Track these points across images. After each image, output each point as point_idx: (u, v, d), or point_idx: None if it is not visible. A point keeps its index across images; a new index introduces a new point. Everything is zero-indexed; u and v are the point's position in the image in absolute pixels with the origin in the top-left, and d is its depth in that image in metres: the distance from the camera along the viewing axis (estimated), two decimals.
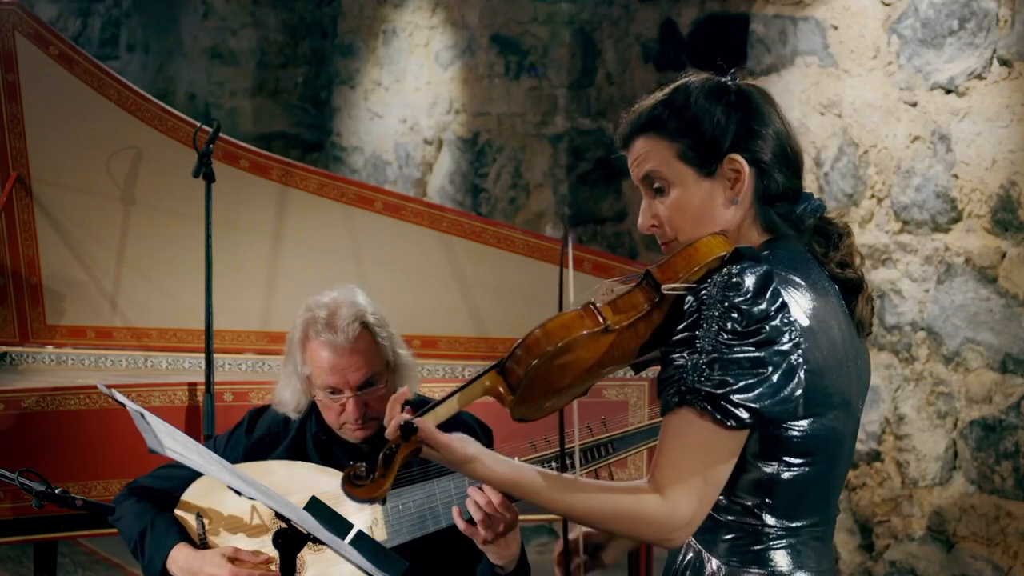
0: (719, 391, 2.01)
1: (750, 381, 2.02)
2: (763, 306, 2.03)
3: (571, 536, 2.34)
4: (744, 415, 2.02)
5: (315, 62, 8.76)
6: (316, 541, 2.66)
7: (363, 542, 2.56)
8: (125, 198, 4.36)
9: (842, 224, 2.24)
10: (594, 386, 2.20)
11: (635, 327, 2.08)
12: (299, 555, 2.75)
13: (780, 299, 2.04)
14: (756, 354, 2.02)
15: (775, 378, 2.02)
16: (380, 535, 3.05)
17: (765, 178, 2.17)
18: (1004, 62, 4.47)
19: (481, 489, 2.91)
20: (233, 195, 4.21)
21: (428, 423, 2.08)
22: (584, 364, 2.07)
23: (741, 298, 2.03)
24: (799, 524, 2.14)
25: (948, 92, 4.66)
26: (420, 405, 2.18)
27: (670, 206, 2.16)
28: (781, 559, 2.12)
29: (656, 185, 2.17)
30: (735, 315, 2.02)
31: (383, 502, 3.02)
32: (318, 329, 3.12)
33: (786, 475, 2.10)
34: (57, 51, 4.26)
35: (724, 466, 2.06)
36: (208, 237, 3.92)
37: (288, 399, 3.23)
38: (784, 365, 2.03)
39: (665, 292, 2.07)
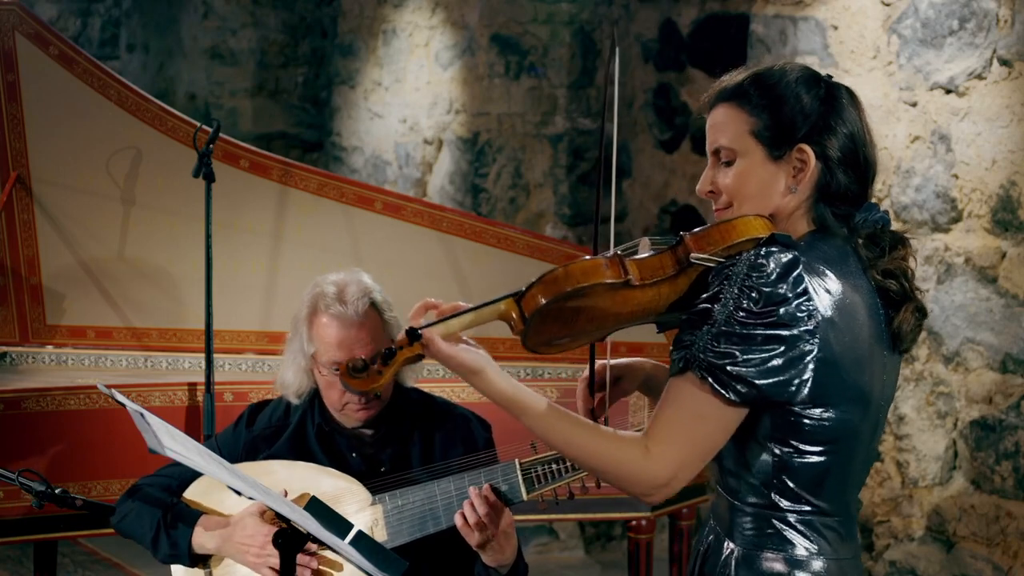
0: (720, 362, 2.06)
1: (752, 357, 2.05)
2: (782, 290, 2.06)
3: (596, 366, 2.35)
4: (741, 388, 2.06)
5: (315, 62, 8.76)
6: (316, 541, 2.66)
7: (363, 542, 2.56)
8: (125, 198, 4.36)
9: (900, 235, 2.25)
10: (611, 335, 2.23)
11: (658, 287, 2.12)
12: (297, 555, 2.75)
13: (802, 286, 2.07)
14: (765, 332, 2.06)
15: (779, 360, 2.06)
16: (380, 536, 3.05)
17: (829, 175, 2.19)
18: (1004, 62, 4.47)
19: (477, 497, 2.93)
20: (233, 195, 4.21)
21: (435, 332, 2.10)
22: (600, 312, 2.12)
23: (763, 279, 2.06)
24: (813, 510, 2.16)
25: (948, 92, 4.66)
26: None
27: (732, 176, 2.19)
28: (797, 543, 2.16)
29: (724, 157, 2.20)
30: (753, 294, 2.06)
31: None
32: (328, 303, 3.13)
33: (799, 460, 2.13)
34: (57, 51, 4.26)
35: (716, 437, 2.10)
36: (208, 237, 3.92)
37: (291, 380, 3.22)
38: (793, 349, 2.06)
39: (693, 260, 2.11)
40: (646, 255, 2.13)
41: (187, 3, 8.81)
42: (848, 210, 2.21)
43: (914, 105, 4.78)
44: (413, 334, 2.07)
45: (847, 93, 2.22)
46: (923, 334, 4.79)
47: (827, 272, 2.12)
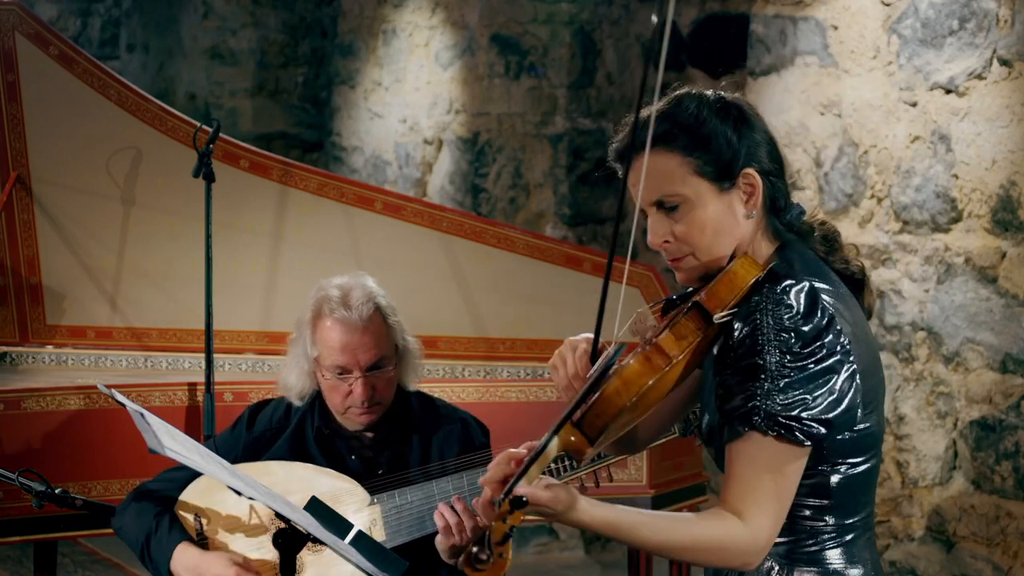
0: (792, 413, 2.05)
1: (817, 395, 2.06)
2: (815, 322, 2.07)
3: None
4: (816, 431, 2.06)
5: (315, 62, 8.76)
6: (316, 541, 2.66)
7: (363, 542, 2.56)
8: (125, 198, 4.36)
9: (830, 225, 2.28)
10: None
11: (685, 358, 2.12)
12: (298, 555, 2.75)
13: (828, 312, 2.08)
14: (818, 368, 2.06)
15: (838, 389, 2.07)
16: (379, 536, 3.05)
17: (772, 187, 2.20)
18: (1004, 62, 4.47)
19: (454, 504, 2.93)
20: (233, 195, 4.21)
21: (525, 487, 2.02)
22: (650, 404, 2.12)
23: (794, 318, 2.07)
24: (853, 520, 2.18)
25: (948, 92, 4.66)
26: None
27: (688, 222, 2.16)
28: (835, 557, 2.16)
29: (669, 204, 2.17)
30: (792, 336, 2.06)
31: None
32: (332, 307, 3.13)
33: (842, 476, 2.15)
34: (57, 51, 4.26)
35: (794, 481, 2.11)
36: (208, 237, 3.91)
37: (294, 383, 3.23)
38: (844, 375, 2.08)
39: (717, 321, 2.11)
40: (668, 329, 2.12)
41: (187, 3, 8.81)
42: (787, 213, 2.22)
43: (914, 105, 4.78)
44: (519, 503, 2.00)
45: (746, 104, 2.23)
46: (923, 334, 4.79)
47: (827, 287, 2.13)
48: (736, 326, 2.10)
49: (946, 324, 4.71)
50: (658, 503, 3.94)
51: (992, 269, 4.55)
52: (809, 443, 2.07)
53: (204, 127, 4.07)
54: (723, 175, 2.16)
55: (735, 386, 2.09)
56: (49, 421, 3.79)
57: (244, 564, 3.04)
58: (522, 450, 2.11)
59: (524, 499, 1.99)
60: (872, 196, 4.97)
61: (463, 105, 7.18)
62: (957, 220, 4.66)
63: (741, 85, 5.54)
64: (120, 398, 2.98)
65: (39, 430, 3.78)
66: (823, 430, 2.06)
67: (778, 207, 2.21)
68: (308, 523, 2.60)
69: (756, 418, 2.06)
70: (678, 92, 2.23)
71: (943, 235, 4.71)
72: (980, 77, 4.55)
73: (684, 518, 2.11)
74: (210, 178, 3.93)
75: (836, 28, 5.08)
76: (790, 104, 5.24)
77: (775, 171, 2.20)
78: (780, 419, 2.05)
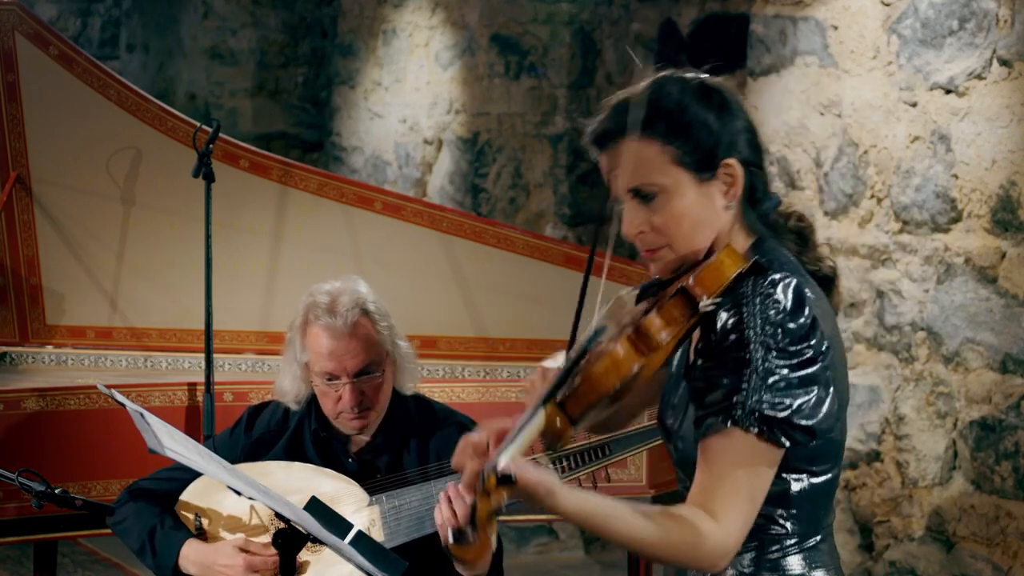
0: (778, 413, 2.00)
1: (804, 400, 2.01)
2: (802, 321, 2.01)
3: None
4: (799, 435, 2.01)
5: (315, 62, 8.76)
6: (316, 541, 2.66)
7: (363, 542, 2.56)
8: (125, 198, 4.36)
9: (806, 220, 2.22)
10: None
11: (670, 344, 2.06)
12: (297, 555, 2.75)
13: (812, 311, 2.03)
14: (804, 372, 2.01)
15: (822, 393, 2.02)
16: (377, 536, 3.05)
17: (752, 177, 2.14)
18: (1004, 62, 4.47)
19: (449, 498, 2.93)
20: (233, 195, 4.21)
21: (508, 463, 1.95)
22: (631, 391, 2.05)
23: (780, 313, 2.01)
24: (815, 528, 2.14)
25: (948, 92, 4.66)
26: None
27: (667, 213, 2.09)
28: (797, 563, 2.12)
29: (647, 193, 2.10)
30: (780, 333, 2.00)
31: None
32: (318, 313, 3.14)
33: (810, 483, 2.10)
34: (57, 51, 4.26)
35: (767, 482, 2.05)
36: (208, 237, 3.91)
37: (288, 387, 3.23)
38: (824, 380, 2.03)
39: (702, 309, 2.05)
40: (655, 314, 2.05)
41: (187, 3, 8.81)
42: (764, 204, 2.16)
43: (914, 105, 4.78)
44: (506, 479, 1.94)
45: (728, 88, 2.17)
46: (923, 334, 4.79)
47: (804, 282, 2.08)
48: (720, 316, 2.04)
49: (946, 324, 4.71)
50: (658, 503, 3.94)
51: (992, 269, 4.55)
52: (789, 445, 2.01)
53: (204, 127, 4.07)
54: (704, 165, 2.09)
55: (718, 378, 2.03)
56: (49, 421, 3.79)
57: (249, 548, 3.04)
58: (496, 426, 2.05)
59: (512, 476, 1.93)
60: (872, 196, 4.97)
61: (463, 105, 7.18)
62: (957, 220, 4.66)
63: (741, 85, 5.54)
64: (120, 398, 2.98)
65: (39, 430, 3.78)
66: (804, 435, 2.01)
67: (756, 198, 2.15)
68: (308, 523, 2.60)
69: (739, 412, 2.00)
70: (659, 76, 2.16)
71: (943, 235, 4.71)
72: (980, 77, 4.55)
73: (658, 514, 2.04)
74: (210, 178, 3.93)
75: (836, 28, 5.08)
76: (790, 104, 5.24)
77: (756, 160, 2.14)
78: (765, 416, 2.00)
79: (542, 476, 1.96)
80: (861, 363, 5.01)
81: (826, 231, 5.12)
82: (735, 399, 2.01)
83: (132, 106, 4.28)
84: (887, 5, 4.88)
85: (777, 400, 2.00)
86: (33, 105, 4.28)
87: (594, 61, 6.75)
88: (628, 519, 2.01)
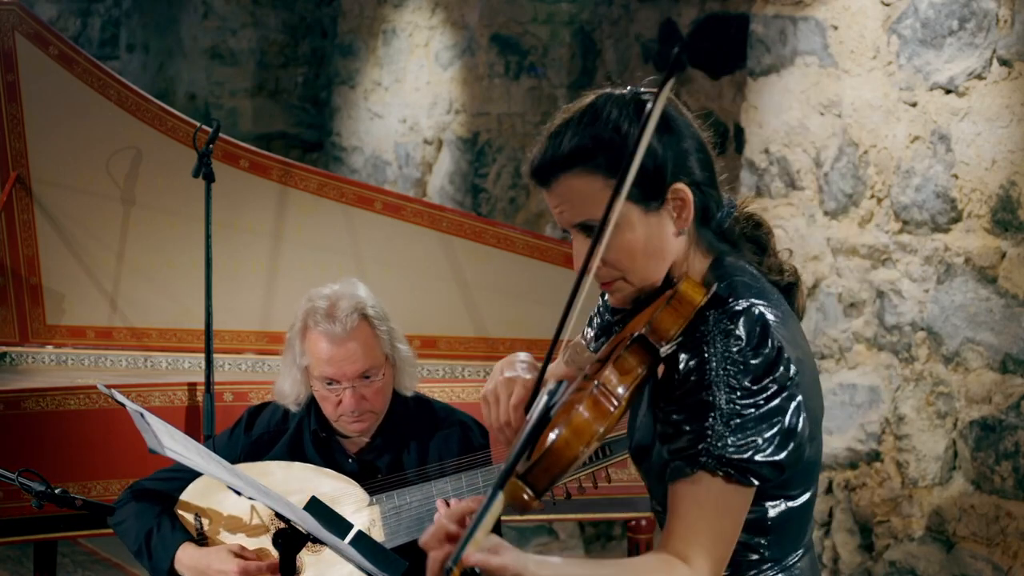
0: (743, 455, 1.95)
1: (767, 436, 1.96)
2: (765, 353, 1.96)
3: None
4: (768, 472, 1.97)
5: (315, 62, 8.76)
6: (316, 541, 2.66)
7: (363, 542, 2.56)
8: (125, 198, 4.36)
9: (764, 222, 2.16)
10: None
11: (631, 392, 2.00)
12: (297, 555, 2.75)
13: (776, 340, 1.97)
14: (768, 408, 1.96)
15: (787, 427, 1.97)
16: (378, 536, 3.06)
17: (703, 197, 2.06)
18: (1004, 62, 4.47)
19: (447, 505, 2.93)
20: (233, 195, 4.21)
21: (473, 554, 1.88)
22: (596, 443, 1.99)
23: (743, 351, 1.95)
24: (793, 549, 2.12)
25: (948, 92, 4.66)
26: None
27: (616, 248, 2.01)
28: None
29: (592, 227, 2.00)
30: (741, 370, 1.95)
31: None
32: (317, 319, 3.14)
33: (787, 507, 2.08)
34: (57, 51, 4.26)
35: (740, 522, 2.02)
36: (208, 237, 3.92)
37: (288, 390, 3.23)
38: (791, 407, 1.97)
39: (663, 354, 1.99)
40: (611, 367, 1.98)
41: (187, 3, 8.81)
42: (720, 218, 2.09)
43: (914, 105, 4.78)
44: (471, 573, 1.88)
45: (672, 104, 2.06)
46: (923, 334, 4.79)
47: (766, 303, 2.01)
48: (681, 357, 1.98)
49: (946, 324, 4.71)
50: None
51: (992, 269, 4.55)
52: (758, 484, 1.97)
53: (204, 127, 4.08)
54: (650, 195, 2.00)
55: (682, 423, 1.98)
56: (49, 421, 3.79)
57: (244, 554, 3.05)
58: (464, 505, 1.99)
59: (476, 571, 1.87)
60: (872, 196, 4.96)
61: (463, 105, 7.18)
62: (957, 220, 4.66)
63: (741, 85, 5.54)
64: (120, 398, 2.98)
65: (39, 430, 3.78)
66: (773, 471, 1.97)
67: (710, 215, 2.07)
68: (308, 523, 2.60)
69: (704, 459, 1.95)
70: (595, 98, 2.06)
71: (943, 235, 4.71)
72: (980, 77, 4.55)
73: (630, 567, 2.02)
74: (210, 178, 3.93)
75: (836, 28, 5.08)
76: (790, 104, 5.24)
77: (706, 179, 2.05)
78: (732, 461, 1.95)
79: (507, 559, 1.89)
80: (861, 363, 5.00)
81: (826, 231, 5.12)
82: (700, 446, 1.96)
83: (132, 106, 4.28)
84: (887, 5, 4.88)
85: (742, 442, 1.95)
86: (33, 105, 4.28)
87: (594, 61, 6.75)
88: None
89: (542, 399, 1.98)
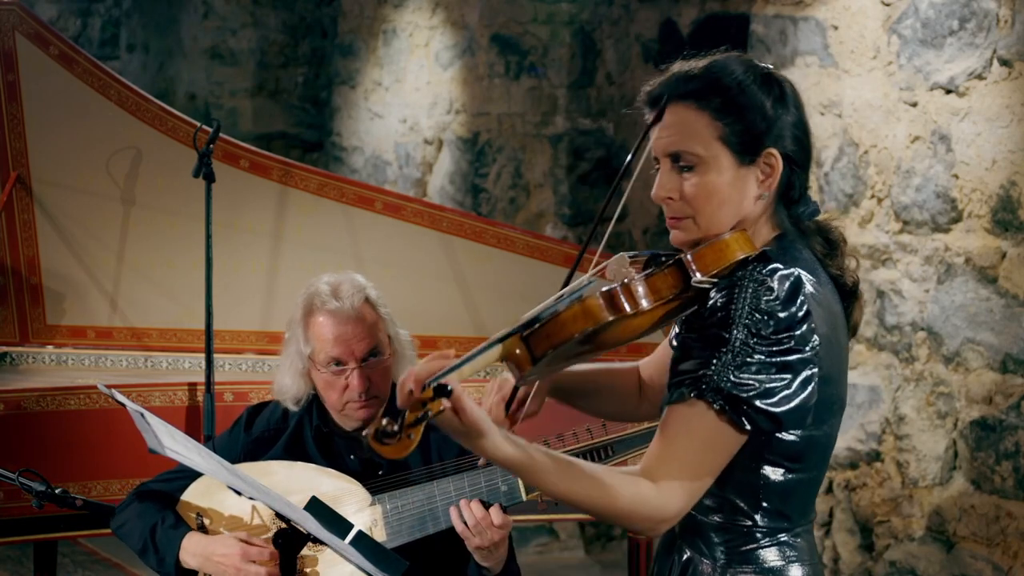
0: (742, 394, 2.00)
1: (772, 386, 2.00)
2: (792, 311, 2.01)
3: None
4: (762, 420, 2.01)
5: (315, 62, 8.76)
6: (316, 541, 2.66)
7: (363, 542, 2.56)
8: (125, 198, 4.36)
9: (838, 231, 2.23)
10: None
11: (654, 311, 2.05)
12: (298, 555, 2.75)
13: (806, 307, 2.02)
14: (780, 360, 2.01)
15: (795, 386, 2.02)
16: (379, 536, 3.05)
17: (791, 175, 2.14)
18: (1004, 62, 4.47)
19: (470, 505, 2.93)
20: (233, 195, 4.21)
21: (453, 381, 1.94)
22: (605, 344, 2.06)
23: (772, 302, 2.01)
24: (789, 523, 2.14)
25: (948, 92, 4.66)
26: None
27: (699, 185, 2.10)
28: (772, 556, 2.13)
29: (684, 162, 2.11)
30: (765, 318, 2.01)
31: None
32: (323, 299, 3.14)
33: (780, 477, 2.10)
34: (57, 51, 4.26)
35: (721, 464, 2.05)
36: (208, 237, 3.92)
37: (289, 385, 3.22)
38: (804, 373, 2.02)
39: (695, 284, 2.05)
40: (644, 279, 2.05)
41: (187, 3, 8.81)
42: (800, 208, 2.17)
43: (914, 105, 4.78)
44: (442, 390, 1.92)
45: (790, 86, 2.17)
46: (923, 334, 4.79)
47: (815, 282, 2.07)
48: (713, 295, 2.04)
49: (946, 324, 4.71)
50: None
51: (992, 269, 4.55)
52: (750, 428, 2.01)
53: (204, 127, 4.08)
54: (747, 149, 2.09)
55: (694, 350, 2.03)
56: (49, 421, 3.79)
57: (249, 540, 3.04)
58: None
59: (449, 388, 1.92)
60: (872, 196, 4.97)
61: (463, 105, 7.18)
62: (957, 220, 4.66)
63: None
64: (120, 398, 2.98)
65: (39, 430, 3.78)
66: (768, 423, 2.01)
67: (792, 197, 2.15)
68: (308, 523, 2.60)
69: (705, 386, 2.00)
70: (728, 54, 2.17)
71: (943, 235, 4.71)
72: (980, 77, 4.55)
73: (597, 473, 2.04)
74: (210, 178, 3.93)
75: (836, 28, 5.08)
76: None
77: (799, 160, 2.14)
78: (729, 396, 1.99)
79: (477, 416, 1.95)
80: (861, 363, 5.01)
81: None
82: (703, 372, 2.01)
83: (132, 106, 4.28)
84: (887, 5, 4.88)
85: (745, 381, 2.00)
86: (33, 105, 4.28)
87: (594, 61, 6.75)
88: (564, 475, 2.02)
89: (573, 285, 2.05)
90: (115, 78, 4.31)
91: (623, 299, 2.03)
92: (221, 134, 4.04)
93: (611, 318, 2.01)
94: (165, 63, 9.07)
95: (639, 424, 3.11)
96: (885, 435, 4.95)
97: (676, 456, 2.02)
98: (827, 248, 2.19)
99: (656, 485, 2.01)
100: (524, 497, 3.04)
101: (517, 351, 2.02)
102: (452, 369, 1.95)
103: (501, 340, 1.99)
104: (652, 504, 2.01)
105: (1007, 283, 4.52)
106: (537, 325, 2.01)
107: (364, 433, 1.95)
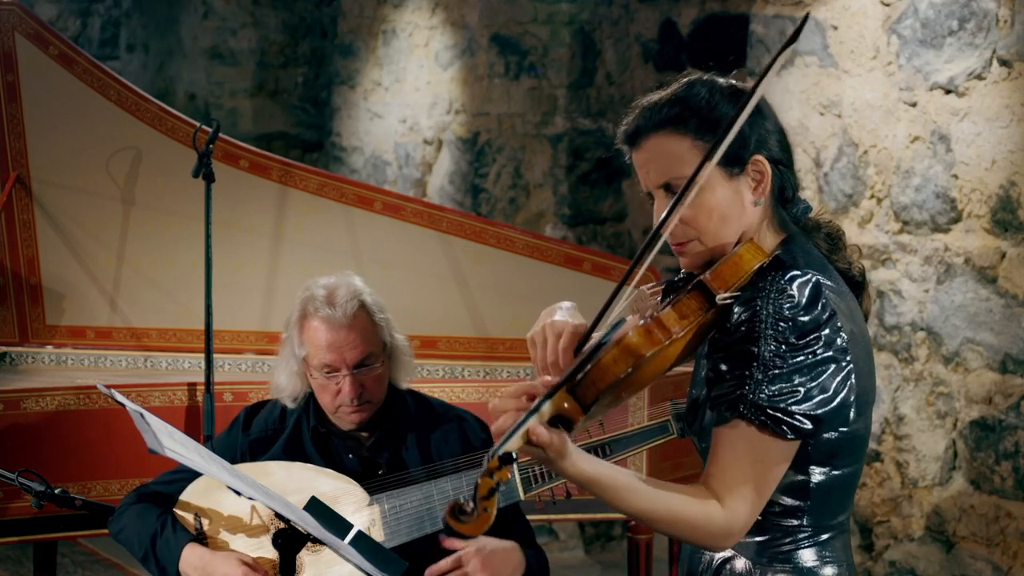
0: (779, 405, 2.04)
1: (808, 389, 2.04)
2: (815, 314, 2.05)
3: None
4: (804, 424, 2.05)
5: (315, 62, 8.76)
6: (316, 541, 2.66)
7: (363, 542, 2.56)
8: (125, 198, 4.36)
9: (834, 223, 2.27)
10: None
11: (686, 336, 2.08)
12: (298, 555, 2.75)
13: (830, 306, 2.06)
14: (812, 361, 2.05)
15: (832, 385, 2.06)
16: (378, 536, 3.05)
17: (781, 176, 2.18)
18: (1004, 62, 4.47)
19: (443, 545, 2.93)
20: (233, 195, 4.21)
21: (536, 430, 1.98)
22: (648, 378, 2.09)
23: (794, 309, 2.05)
24: (830, 522, 2.18)
25: (948, 92, 4.66)
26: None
27: (696, 207, 2.12)
28: (810, 556, 2.16)
29: (677, 188, 2.13)
30: (789, 325, 2.04)
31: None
32: (317, 305, 3.14)
33: (826, 477, 2.14)
34: (57, 51, 4.26)
35: (777, 473, 2.09)
36: (208, 237, 3.92)
37: (285, 384, 3.23)
38: (839, 372, 2.06)
39: (720, 301, 2.08)
40: (670, 306, 2.09)
41: (187, 3, 8.81)
42: (794, 207, 2.22)
43: (914, 105, 4.78)
44: (508, 459, 1.98)
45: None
46: (923, 334, 4.79)
47: (831, 283, 2.11)
48: (736, 310, 2.08)
49: (946, 324, 4.71)
50: None
51: (992, 269, 4.55)
52: (794, 436, 2.05)
53: (204, 127, 4.08)
54: (733, 161, 2.13)
55: (726, 371, 2.08)
56: (49, 421, 3.79)
57: (252, 564, 3.04)
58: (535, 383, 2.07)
59: (513, 455, 1.96)
60: (872, 196, 4.97)
61: (463, 105, 7.18)
62: (957, 220, 4.66)
63: None
64: (120, 398, 2.98)
65: (39, 430, 3.78)
66: (810, 425, 2.05)
67: (786, 198, 2.20)
68: (308, 523, 2.60)
69: (743, 406, 2.05)
70: (690, 77, 2.21)
71: (943, 235, 4.71)
72: (980, 77, 4.55)
73: (668, 490, 2.08)
74: (210, 178, 3.93)
75: (836, 28, 5.08)
76: (790, 104, 5.24)
77: (785, 160, 2.19)
78: (767, 410, 2.04)
79: (553, 438, 1.98)
80: None
81: None
82: (739, 392, 2.05)
83: (132, 106, 4.28)
84: (887, 5, 4.88)
85: (779, 393, 2.04)
86: (33, 105, 4.28)
87: (594, 61, 6.75)
88: (637, 491, 2.06)
89: (600, 333, 2.07)
90: (115, 78, 4.31)
91: (657, 331, 2.06)
92: (221, 134, 4.04)
93: (649, 353, 2.05)
94: (165, 63, 9.07)
95: (638, 423, 3.11)
96: (885, 435, 4.95)
97: (732, 476, 2.07)
98: (829, 243, 2.23)
99: (721, 503, 2.06)
100: (522, 496, 3.04)
101: (566, 404, 2.04)
102: (510, 436, 1.99)
103: (551, 395, 2.02)
104: (719, 522, 2.06)
105: (1007, 283, 4.52)
106: (581, 375, 2.05)
107: (442, 517, 1.98)
